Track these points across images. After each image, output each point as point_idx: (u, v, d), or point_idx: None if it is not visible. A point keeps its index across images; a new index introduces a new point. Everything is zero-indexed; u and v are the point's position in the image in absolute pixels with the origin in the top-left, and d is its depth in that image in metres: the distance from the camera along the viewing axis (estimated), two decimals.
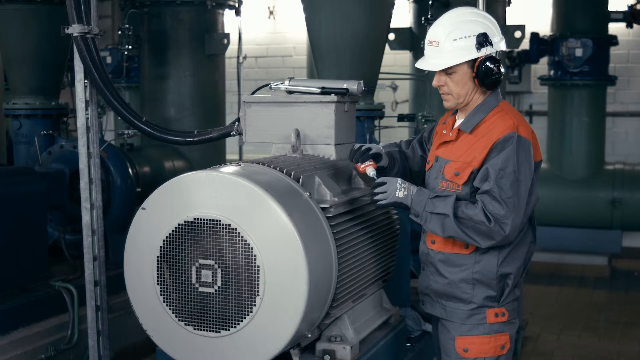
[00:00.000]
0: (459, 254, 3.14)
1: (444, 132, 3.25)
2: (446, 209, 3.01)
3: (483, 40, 3.03)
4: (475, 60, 3.06)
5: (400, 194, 3.11)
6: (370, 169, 3.31)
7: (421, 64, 3.16)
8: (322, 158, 3.59)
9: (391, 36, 7.71)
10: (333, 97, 3.57)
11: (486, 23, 3.10)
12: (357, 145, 3.36)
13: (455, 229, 3.01)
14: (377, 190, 3.15)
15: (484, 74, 3.05)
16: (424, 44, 3.19)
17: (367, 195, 3.52)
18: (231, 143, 7.92)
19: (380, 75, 5.54)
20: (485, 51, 3.04)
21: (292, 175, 3.20)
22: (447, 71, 3.11)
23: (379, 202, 3.15)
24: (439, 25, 3.12)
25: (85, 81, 4.31)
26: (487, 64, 3.04)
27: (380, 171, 3.35)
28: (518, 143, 3.01)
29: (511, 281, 3.16)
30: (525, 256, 3.21)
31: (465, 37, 3.04)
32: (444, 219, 3.02)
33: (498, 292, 3.14)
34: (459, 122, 3.22)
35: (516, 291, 3.22)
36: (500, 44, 3.11)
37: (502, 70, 3.08)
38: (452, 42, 3.05)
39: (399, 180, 3.14)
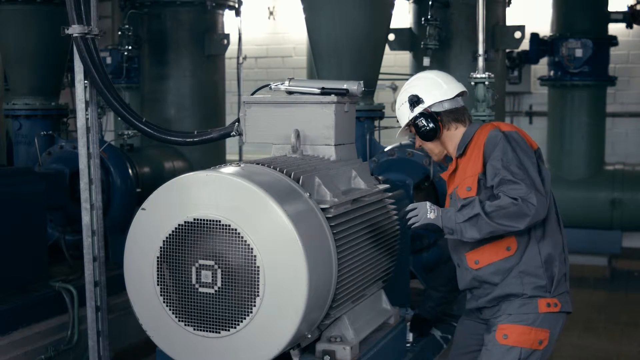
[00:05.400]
0: (506, 258, 3.25)
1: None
2: (474, 210, 3.11)
3: (412, 101, 3.38)
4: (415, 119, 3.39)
5: (431, 215, 3.23)
6: None
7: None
8: (322, 158, 3.58)
9: (391, 37, 7.70)
10: (333, 98, 3.56)
11: (419, 83, 3.42)
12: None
13: (490, 223, 3.09)
14: (409, 215, 3.28)
15: (418, 130, 3.39)
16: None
17: (368, 196, 3.54)
18: (231, 143, 7.92)
19: (380, 76, 5.55)
20: (416, 110, 3.37)
21: (292, 176, 3.20)
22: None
23: (413, 225, 3.28)
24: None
25: (85, 82, 4.31)
26: (417, 120, 3.37)
27: None
28: (505, 136, 3.20)
29: (557, 268, 3.24)
30: (562, 243, 3.31)
31: (403, 104, 3.43)
32: (477, 220, 3.10)
33: (547, 281, 3.22)
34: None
35: (565, 283, 3.31)
36: (435, 96, 3.36)
37: (438, 119, 3.35)
38: (399, 109, 3.46)
39: (428, 203, 3.27)
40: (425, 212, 3.23)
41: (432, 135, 3.38)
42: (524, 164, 3.12)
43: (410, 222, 3.27)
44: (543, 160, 3.28)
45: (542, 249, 3.22)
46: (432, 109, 3.36)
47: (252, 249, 2.95)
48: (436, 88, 3.39)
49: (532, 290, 3.22)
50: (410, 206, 3.30)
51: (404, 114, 3.43)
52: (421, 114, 3.36)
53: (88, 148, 4.36)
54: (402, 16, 8.54)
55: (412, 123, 3.39)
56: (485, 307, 3.36)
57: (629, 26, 9.20)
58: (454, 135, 3.39)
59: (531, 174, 3.11)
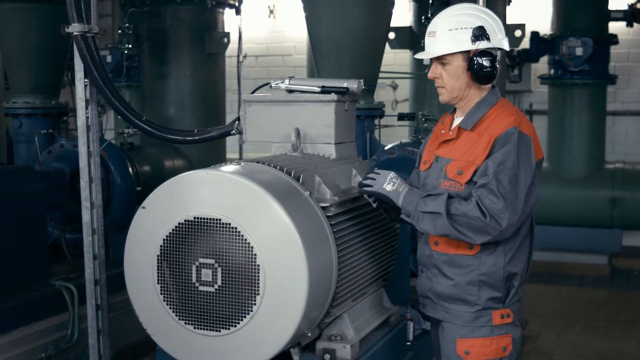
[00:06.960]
0: (464, 255, 3.07)
1: (443, 132, 3.21)
2: (438, 207, 2.97)
3: (479, 33, 3.01)
4: (469, 52, 3.03)
5: (387, 187, 3.07)
6: None
7: (418, 54, 3.19)
8: (323, 157, 3.58)
9: (391, 35, 7.71)
10: (333, 96, 3.56)
11: (486, 18, 3.09)
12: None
13: (448, 226, 2.95)
14: (368, 175, 3.13)
15: (477, 67, 3.02)
16: (424, 42, 3.19)
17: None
18: (231, 142, 7.91)
19: (381, 74, 5.55)
20: (480, 45, 3.01)
21: (292, 174, 3.20)
22: (442, 62, 3.09)
23: (363, 189, 3.13)
24: (439, 17, 3.13)
25: (86, 80, 4.32)
26: (481, 57, 3.01)
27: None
28: (519, 139, 2.97)
29: (517, 282, 3.12)
30: (528, 257, 3.18)
31: (462, 29, 3.03)
32: (437, 218, 2.97)
33: (504, 293, 3.10)
34: (457, 120, 3.18)
35: (519, 292, 3.18)
36: (500, 41, 3.09)
37: (497, 66, 3.05)
38: (447, 32, 3.05)
39: (391, 175, 3.10)
40: (383, 182, 3.07)
41: (486, 79, 3.04)
42: (517, 179, 2.94)
43: (364, 182, 3.11)
44: (540, 172, 3.09)
45: (507, 261, 3.06)
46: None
47: (252, 247, 2.95)
48: (501, 33, 3.08)
49: (485, 302, 3.07)
50: (376, 170, 3.14)
51: (459, 43, 3.02)
52: (487, 53, 3.01)
53: (88, 146, 4.36)
54: (403, 15, 8.54)
55: (470, 56, 3.01)
56: (432, 298, 3.19)
57: (630, 25, 9.20)
58: (481, 92, 3.12)
59: (519, 191, 2.94)
